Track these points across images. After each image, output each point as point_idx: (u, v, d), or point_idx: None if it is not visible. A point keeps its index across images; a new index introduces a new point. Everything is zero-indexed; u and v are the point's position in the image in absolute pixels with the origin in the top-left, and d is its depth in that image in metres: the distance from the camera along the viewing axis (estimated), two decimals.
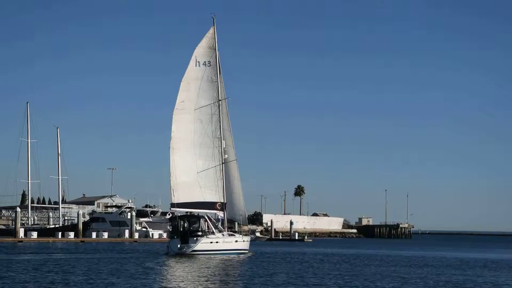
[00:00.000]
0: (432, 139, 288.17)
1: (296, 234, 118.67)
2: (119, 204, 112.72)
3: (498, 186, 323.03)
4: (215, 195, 53.75)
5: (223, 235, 52.55)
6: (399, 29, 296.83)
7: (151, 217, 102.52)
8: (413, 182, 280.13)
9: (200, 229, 51.40)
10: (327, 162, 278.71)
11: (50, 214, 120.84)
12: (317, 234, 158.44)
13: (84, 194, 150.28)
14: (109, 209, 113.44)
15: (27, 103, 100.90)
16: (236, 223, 66.44)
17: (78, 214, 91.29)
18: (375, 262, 47.96)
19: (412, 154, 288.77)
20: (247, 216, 56.62)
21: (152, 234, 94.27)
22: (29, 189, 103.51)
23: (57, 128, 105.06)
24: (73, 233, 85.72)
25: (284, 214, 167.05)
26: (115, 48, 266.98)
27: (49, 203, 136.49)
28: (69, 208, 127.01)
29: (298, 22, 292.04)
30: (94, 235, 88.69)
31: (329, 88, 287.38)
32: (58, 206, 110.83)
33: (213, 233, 51.75)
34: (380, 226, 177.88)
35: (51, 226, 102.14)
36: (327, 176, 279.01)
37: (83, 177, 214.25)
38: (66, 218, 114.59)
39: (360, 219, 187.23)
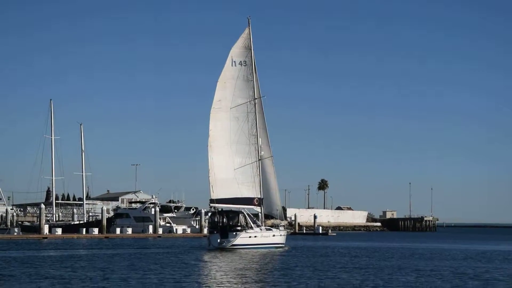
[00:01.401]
0: (456, 132, 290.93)
1: (320, 228, 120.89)
2: (143, 200, 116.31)
3: None
4: (252, 191, 56.78)
5: (261, 229, 55.64)
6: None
7: (175, 212, 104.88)
8: (438, 175, 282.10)
9: (239, 224, 54.43)
10: (350, 155, 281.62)
11: (75, 210, 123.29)
12: (341, 227, 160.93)
13: (108, 190, 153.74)
14: (133, 205, 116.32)
15: (51, 100, 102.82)
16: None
17: (102, 210, 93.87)
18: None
19: (436, 147, 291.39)
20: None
21: (176, 229, 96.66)
22: (53, 185, 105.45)
23: (80, 124, 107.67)
24: (97, 229, 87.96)
25: (308, 208, 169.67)
26: (145, 42, 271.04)
27: (74, 199, 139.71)
28: (93, 204, 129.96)
29: (330, 19, 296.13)
30: (118, 231, 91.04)
31: (353, 85, 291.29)
32: (82, 202, 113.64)
33: (251, 228, 54.82)
34: (404, 219, 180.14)
35: (75, 222, 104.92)
36: (351, 170, 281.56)
37: (107, 173, 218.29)
38: (90, 214, 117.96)
39: (384, 213, 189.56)
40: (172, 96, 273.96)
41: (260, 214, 57.71)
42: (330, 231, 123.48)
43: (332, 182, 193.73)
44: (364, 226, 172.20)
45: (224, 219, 54.37)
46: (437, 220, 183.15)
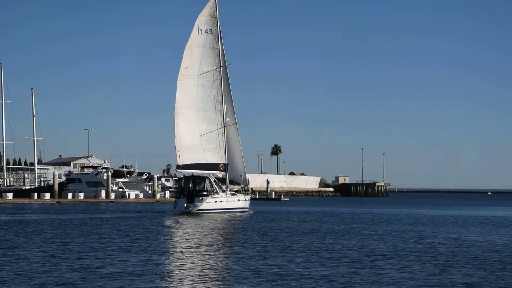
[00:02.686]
0: (407, 99, 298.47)
1: (273, 193, 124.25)
2: (95, 165, 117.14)
3: (474, 143, 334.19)
4: (217, 157, 59.48)
5: (226, 194, 58.56)
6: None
7: (128, 177, 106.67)
8: (389, 140, 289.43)
9: (205, 189, 57.14)
10: (303, 121, 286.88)
11: (26, 175, 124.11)
12: (294, 193, 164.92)
13: (60, 155, 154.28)
14: (85, 170, 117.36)
15: (1, 64, 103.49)
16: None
17: (53, 175, 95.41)
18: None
19: (388, 113, 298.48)
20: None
21: (129, 194, 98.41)
22: (4, 150, 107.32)
23: (31, 88, 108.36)
24: (48, 194, 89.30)
25: (261, 173, 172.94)
26: (108, 11, 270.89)
27: (25, 164, 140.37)
28: (45, 169, 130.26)
29: None
30: (70, 195, 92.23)
31: (312, 56, 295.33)
32: (33, 167, 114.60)
33: (217, 193, 57.64)
34: (356, 185, 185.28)
35: (26, 187, 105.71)
36: (303, 135, 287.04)
37: (59, 138, 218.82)
38: (42, 179, 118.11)
39: (337, 178, 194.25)
40: (123, 61, 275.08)
41: (225, 179, 60.56)
42: (283, 196, 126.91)
43: (285, 147, 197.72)
44: (316, 192, 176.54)
45: (190, 184, 56.99)
46: (389, 185, 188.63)
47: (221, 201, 57.28)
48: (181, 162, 58.29)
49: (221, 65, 59.48)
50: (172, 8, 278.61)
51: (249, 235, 34.35)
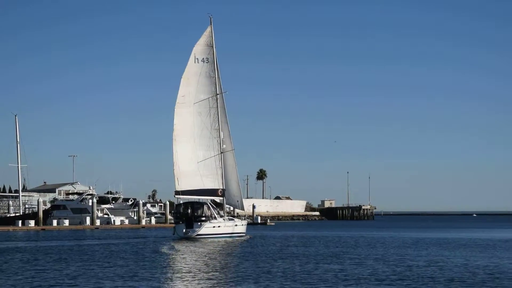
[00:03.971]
0: (392, 123, 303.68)
1: (259, 217, 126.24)
2: (80, 191, 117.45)
3: (459, 166, 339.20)
4: (214, 183, 62.03)
5: (224, 219, 61.12)
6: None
7: (113, 203, 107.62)
8: (375, 164, 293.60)
9: (203, 214, 59.67)
10: (289, 145, 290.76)
11: (10, 202, 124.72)
12: (280, 217, 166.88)
13: (45, 182, 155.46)
14: (70, 196, 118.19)
15: None
16: None
17: (38, 202, 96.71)
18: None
19: (372, 137, 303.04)
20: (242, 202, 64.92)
21: (114, 220, 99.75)
22: None
23: (15, 115, 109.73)
24: (33, 221, 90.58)
25: (247, 198, 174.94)
26: (101, 37, 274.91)
27: (10, 191, 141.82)
28: (30, 196, 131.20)
29: (292, 24, 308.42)
30: (55, 222, 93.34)
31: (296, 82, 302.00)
32: (18, 194, 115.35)
33: (215, 218, 60.18)
34: (342, 208, 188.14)
35: (11, 215, 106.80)
36: (289, 160, 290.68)
37: (44, 165, 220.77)
38: (27, 206, 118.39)
39: (323, 202, 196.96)
40: (111, 89, 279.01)
41: (223, 204, 63.15)
42: (268, 220, 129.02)
43: (271, 172, 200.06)
44: (302, 216, 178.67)
45: (189, 210, 59.51)
46: (375, 208, 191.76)
47: (219, 226, 59.73)
48: (179, 188, 60.76)
49: (218, 92, 62.25)
50: (168, 38, 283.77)
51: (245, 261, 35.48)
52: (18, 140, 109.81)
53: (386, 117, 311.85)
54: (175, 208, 63.15)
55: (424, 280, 25.97)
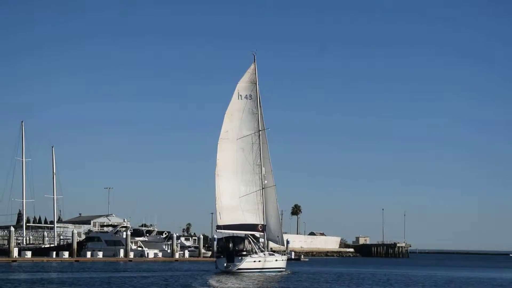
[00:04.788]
0: (429, 159, 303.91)
1: (293, 253, 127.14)
2: (115, 224, 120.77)
3: (496, 205, 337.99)
4: (255, 218, 63.67)
5: (264, 254, 62.66)
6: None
7: (147, 236, 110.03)
8: (411, 201, 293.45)
9: (244, 249, 61.28)
10: (324, 181, 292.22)
11: (45, 233, 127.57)
12: (314, 253, 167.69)
13: (80, 214, 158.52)
14: (105, 229, 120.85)
15: (22, 122, 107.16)
16: None
17: (72, 233, 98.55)
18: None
19: (409, 173, 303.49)
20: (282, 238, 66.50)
21: (148, 253, 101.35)
22: (24, 208, 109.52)
23: (52, 147, 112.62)
24: (67, 252, 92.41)
25: None
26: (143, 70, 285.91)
27: (45, 222, 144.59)
28: (64, 227, 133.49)
29: (332, 51, 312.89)
30: (89, 254, 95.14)
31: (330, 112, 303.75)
32: (53, 225, 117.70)
33: (256, 252, 61.74)
34: (377, 245, 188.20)
35: (46, 246, 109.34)
36: (324, 195, 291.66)
37: (79, 197, 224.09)
38: (61, 237, 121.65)
39: (357, 238, 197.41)
40: (146, 124, 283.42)
41: (263, 239, 64.77)
42: (302, 256, 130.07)
43: (305, 207, 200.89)
44: (337, 252, 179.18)
45: (230, 244, 61.18)
46: (410, 246, 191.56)
47: (259, 261, 61.24)
48: (221, 222, 62.48)
49: (260, 129, 64.17)
50: (214, 73, 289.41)
51: None
52: (54, 171, 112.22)
53: (422, 151, 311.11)
54: (217, 242, 64.84)
55: None
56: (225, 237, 62.18)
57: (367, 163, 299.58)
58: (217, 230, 63.27)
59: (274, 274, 59.72)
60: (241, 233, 62.86)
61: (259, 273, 59.08)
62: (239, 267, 59.79)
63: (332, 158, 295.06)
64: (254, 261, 60.85)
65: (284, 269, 63.93)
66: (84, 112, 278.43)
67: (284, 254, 65.80)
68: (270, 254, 63.78)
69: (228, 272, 59.16)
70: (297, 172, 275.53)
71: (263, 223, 63.85)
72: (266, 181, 64.09)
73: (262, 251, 62.79)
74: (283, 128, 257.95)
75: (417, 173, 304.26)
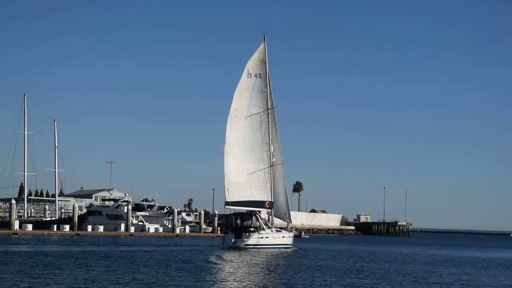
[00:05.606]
0: (431, 137, 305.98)
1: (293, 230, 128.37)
2: (116, 198, 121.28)
3: (500, 185, 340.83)
4: (263, 195, 65.52)
5: (271, 231, 64.58)
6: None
7: (148, 211, 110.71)
8: (412, 180, 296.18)
9: (252, 225, 63.20)
10: (326, 158, 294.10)
11: (47, 207, 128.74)
12: (315, 230, 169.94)
13: (82, 188, 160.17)
14: (106, 203, 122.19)
15: (24, 95, 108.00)
16: None
17: (73, 207, 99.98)
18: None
19: (411, 151, 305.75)
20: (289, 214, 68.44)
21: (148, 228, 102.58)
22: (25, 181, 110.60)
23: (54, 120, 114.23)
24: (68, 226, 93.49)
25: None
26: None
27: (47, 196, 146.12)
28: (66, 201, 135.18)
29: (340, 39, 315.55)
30: (89, 228, 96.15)
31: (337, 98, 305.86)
32: (54, 199, 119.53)
33: (263, 229, 63.66)
34: (378, 224, 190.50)
35: (47, 219, 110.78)
36: (326, 173, 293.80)
37: (81, 170, 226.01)
38: (63, 211, 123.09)
39: (358, 216, 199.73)
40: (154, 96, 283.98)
41: (270, 216, 66.70)
42: (303, 233, 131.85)
43: (307, 185, 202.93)
44: (338, 230, 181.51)
45: (238, 221, 63.08)
46: (411, 225, 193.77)
47: (267, 237, 63.12)
48: (229, 199, 64.25)
49: (269, 107, 65.85)
50: (224, 50, 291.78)
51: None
52: (56, 145, 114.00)
53: (426, 134, 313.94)
54: (225, 218, 66.66)
55: None
56: (233, 213, 64.01)
57: (369, 143, 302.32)
58: (225, 207, 65.08)
59: (281, 250, 61.48)
60: (243, 209, 64.68)
61: (266, 249, 60.81)
62: (247, 243, 61.62)
63: (336, 138, 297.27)
64: (262, 238, 62.67)
65: (291, 246, 65.79)
66: (88, 87, 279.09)
67: (291, 231, 67.60)
68: (277, 231, 65.60)
69: (235, 248, 60.92)
70: (299, 150, 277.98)
71: (270, 200, 65.63)
72: (274, 159, 65.82)
73: (269, 228, 64.60)
74: (291, 107, 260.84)
75: (419, 152, 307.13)
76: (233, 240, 62.14)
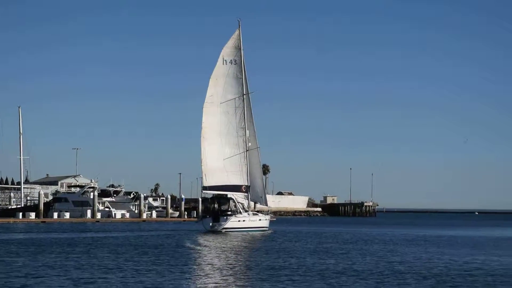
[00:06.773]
0: (396, 120, 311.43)
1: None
2: (82, 184, 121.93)
3: (463, 164, 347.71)
4: (239, 179, 68.15)
5: (248, 214, 67.36)
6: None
7: (114, 197, 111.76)
8: (378, 161, 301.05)
9: (229, 209, 65.83)
10: (292, 141, 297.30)
11: (12, 194, 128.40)
12: (282, 213, 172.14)
13: (47, 174, 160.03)
14: (72, 189, 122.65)
15: None
16: None
17: (39, 194, 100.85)
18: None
19: (376, 133, 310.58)
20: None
21: (115, 214, 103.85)
22: None
23: (18, 107, 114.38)
24: (34, 213, 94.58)
25: None
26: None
27: (12, 183, 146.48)
28: (32, 188, 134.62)
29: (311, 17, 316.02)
30: (56, 215, 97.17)
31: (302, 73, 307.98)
32: (20, 186, 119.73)
33: (240, 212, 66.39)
34: (344, 205, 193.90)
35: (12, 207, 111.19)
36: (292, 155, 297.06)
37: (47, 157, 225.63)
38: (28, 198, 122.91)
39: (325, 198, 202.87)
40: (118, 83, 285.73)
41: (247, 200, 69.44)
42: (270, 216, 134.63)
43: (274, 167, 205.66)
44: (304, 211, 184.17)
45: (216, 205, 65.77)
46: (377, 205, 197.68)
47: (244, 221, 65.86)
48: (207, 184, 66.86)
49: (244, 93, 68.42)
50: (198, 38, 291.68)
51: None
52: (21, 132, 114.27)
53: (389, 111, 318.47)
54: (203, 203, 69.36)
55: (399, 276, 28.83)
56: (210, 198, 66.65)
57: (336, 124, 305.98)
58: (203, 191, 67.77)
59: (258, 233, 64.18)
60: (215, 193, 67.22)
61: (244, 232, 63.48)
62: (224, 226, 64.26)
63: (303, 120, 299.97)
64: (239, 221, 65.33)
65: (267, 228, 68.61)
66: (52, 71, 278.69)
67: (267, 214, 70.43)
68: (254, 214, 68.40)
69: (214, 232, 63.48)
70: (266, 132, 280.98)
71: (247, 184, 68.34)
72: (250, 144, 68.46)
73: (246, 211, 67.36)
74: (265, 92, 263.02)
75: (384, 132, 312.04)
76: (211, 224, 64.66)
